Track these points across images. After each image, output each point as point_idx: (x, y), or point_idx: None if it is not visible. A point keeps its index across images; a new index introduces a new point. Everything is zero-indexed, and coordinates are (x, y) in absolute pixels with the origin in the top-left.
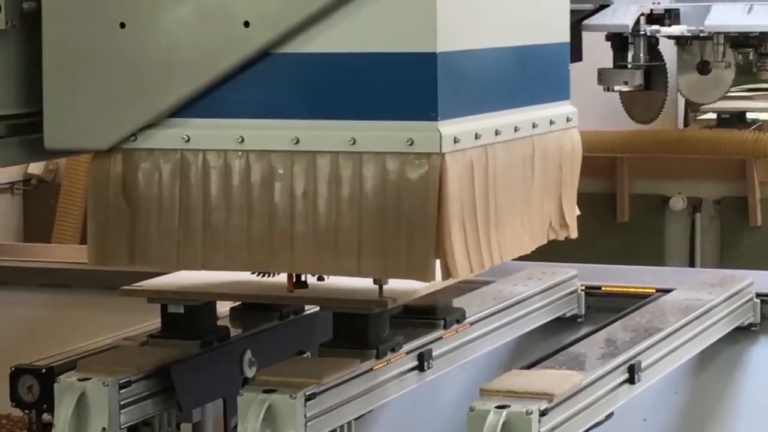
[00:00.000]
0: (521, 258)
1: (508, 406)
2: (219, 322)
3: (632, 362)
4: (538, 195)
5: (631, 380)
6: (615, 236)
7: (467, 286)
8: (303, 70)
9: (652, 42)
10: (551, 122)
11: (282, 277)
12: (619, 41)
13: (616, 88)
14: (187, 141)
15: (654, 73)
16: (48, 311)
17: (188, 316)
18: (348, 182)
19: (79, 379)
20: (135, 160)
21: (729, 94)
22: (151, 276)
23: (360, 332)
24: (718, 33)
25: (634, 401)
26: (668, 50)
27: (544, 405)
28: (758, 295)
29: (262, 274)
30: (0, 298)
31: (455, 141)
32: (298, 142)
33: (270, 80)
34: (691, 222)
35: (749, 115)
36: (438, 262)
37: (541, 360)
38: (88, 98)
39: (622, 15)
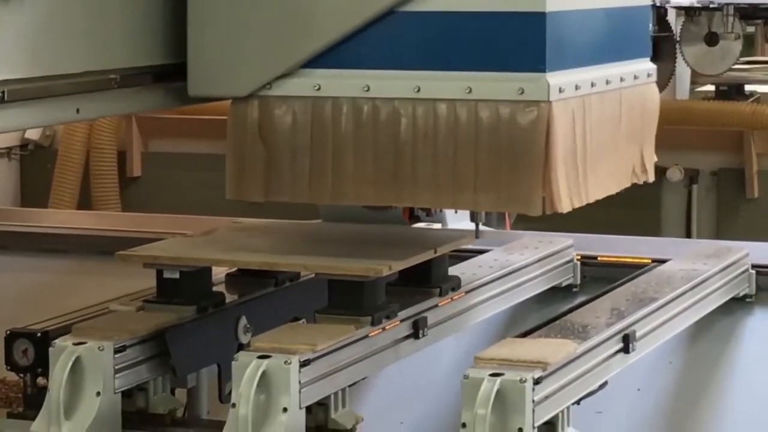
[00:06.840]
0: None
1: (502, 374)
2: (214, 288)
3: (627, 332)
4: (623, 142)
5: (625, 350)
6: (611, 207)
7: (463, 255)
8: (424, 26)
9: (661, 13)
10: (635, 77)
11: (279, 244)
12: None
13: None
14: (318, 89)
15: (662, 44)
16: (44, 276)
17: (184, 282)
18: (464, 126)
19: (74, 344)
20: (270, 106)
21: None
22: (148, 241)
23: (355, 299)
24: (727, 4)
25: (628, 371)
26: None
27: (538, 373)
28: (754, 267)
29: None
30: None
31: (560, 91)
32: (419, 90)
33: (394, 35)
34: (688, 193)
35: (747, 87)
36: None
37: (535, 329)
38: (229, 50)
39: None
